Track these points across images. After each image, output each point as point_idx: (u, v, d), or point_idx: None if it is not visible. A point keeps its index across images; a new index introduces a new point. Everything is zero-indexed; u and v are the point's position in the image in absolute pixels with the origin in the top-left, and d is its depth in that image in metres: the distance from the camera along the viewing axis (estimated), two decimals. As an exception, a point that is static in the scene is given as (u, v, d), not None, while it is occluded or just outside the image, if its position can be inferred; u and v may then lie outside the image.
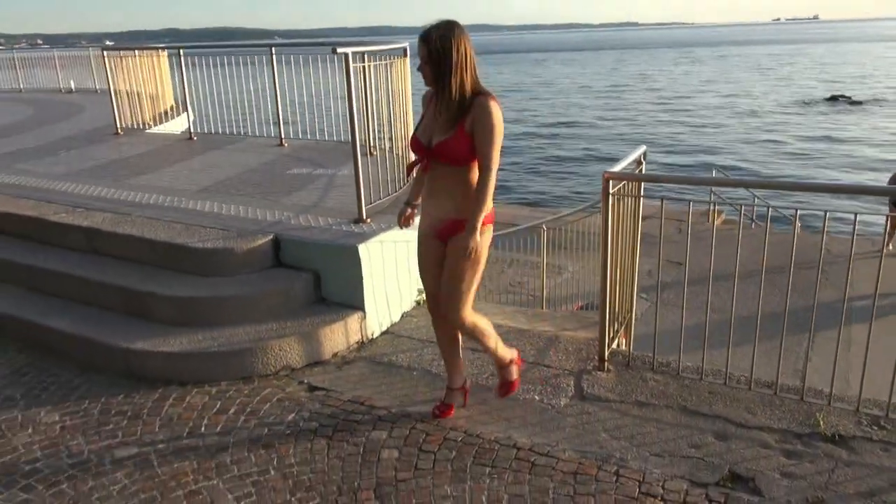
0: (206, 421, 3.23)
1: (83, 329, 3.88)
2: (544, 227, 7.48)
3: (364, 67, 4.40)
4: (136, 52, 8.66)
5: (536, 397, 3.37)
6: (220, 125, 8.52)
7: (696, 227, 7.99)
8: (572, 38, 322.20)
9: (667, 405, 3.26)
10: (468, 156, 2.73)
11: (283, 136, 7.58)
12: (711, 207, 10.65)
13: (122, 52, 8.62)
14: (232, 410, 3.32)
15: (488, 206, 2.77)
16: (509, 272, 10.17)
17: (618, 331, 3.86)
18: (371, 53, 4.51)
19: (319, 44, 7.50)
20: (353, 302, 4.00)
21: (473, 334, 3.06)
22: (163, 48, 9.14)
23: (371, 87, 4.56)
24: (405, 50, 5.04)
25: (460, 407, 3.27)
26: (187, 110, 8.23)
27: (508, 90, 54.51)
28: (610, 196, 3.36)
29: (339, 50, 4.14)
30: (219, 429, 3.17)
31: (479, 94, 2.70)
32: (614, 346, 3.80)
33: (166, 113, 9.41)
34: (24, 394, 3.56)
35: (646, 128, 33.26)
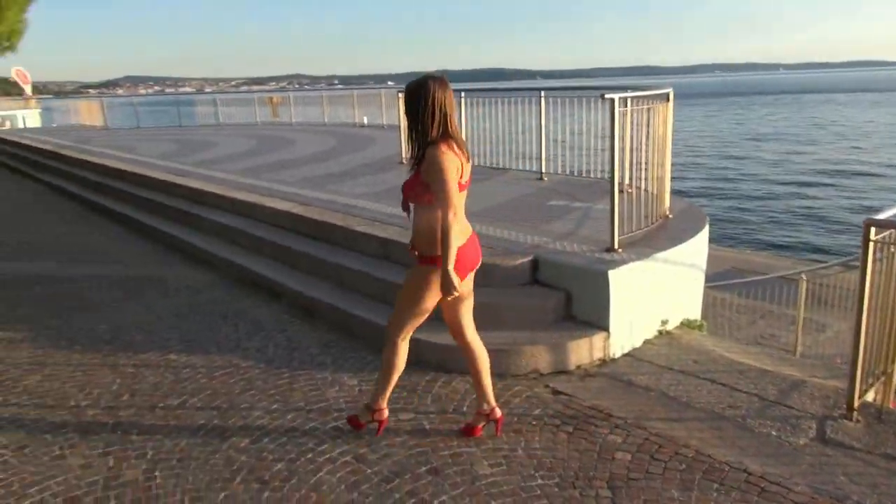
0: (466, 403, 3.86)
1: (377, 318, 4.80)
2: (803, 276, 7.12)
3: (628, 111, 4.80)
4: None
5: (773, 433, 3.44)
6: (487, 159, 9.49)
7: None
8: (864, 76, 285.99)
9: (921, 464, 3.14)
10: (424, 195, 3.07)
11: (543, 170, 8.25)
12: None
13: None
14: (488, 398, 3.91)
15: (453, 245, 3.04)
16: (761, 323, 9.65)
17: (872, 384, 3.74)
18: (635, 98, 4.89)
19: (583, 87, 8.05)
20: (599, 322, 4.40)
21: (387, 358, 3.36)
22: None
23: (633, 129, 4.94)
24: (668, 95, 5.33)
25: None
26: (461, 144, 9.31)
27: (769, 135, 50.50)
28: (871, 244, 3.36)
29: (607, 95, 4.60)
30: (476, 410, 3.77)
31: (432, 143, 2.99)
32: (868, 398, 3.69)
33: (442, 146, 10.70)
34: (331, 362, 4.54)
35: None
